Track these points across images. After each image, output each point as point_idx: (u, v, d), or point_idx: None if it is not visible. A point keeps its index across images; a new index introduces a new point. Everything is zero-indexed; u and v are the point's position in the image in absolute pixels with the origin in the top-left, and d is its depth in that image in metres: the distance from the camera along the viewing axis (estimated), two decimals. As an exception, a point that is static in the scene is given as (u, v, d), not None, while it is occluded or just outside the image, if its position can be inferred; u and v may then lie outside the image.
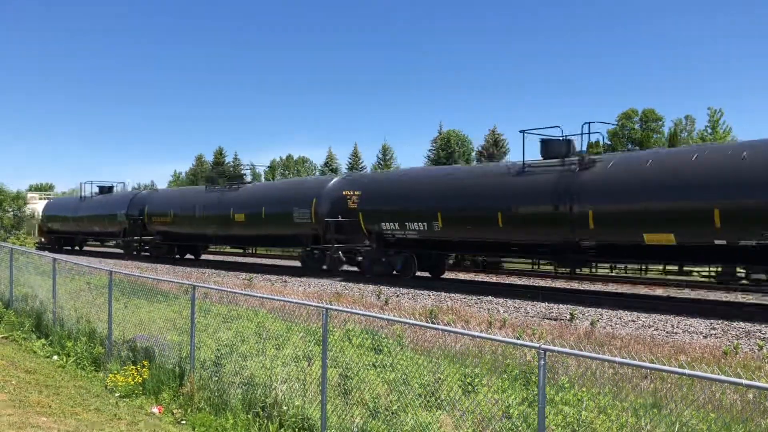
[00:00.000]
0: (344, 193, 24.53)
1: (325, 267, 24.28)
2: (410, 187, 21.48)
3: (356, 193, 24.16)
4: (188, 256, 34.95)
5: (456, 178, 20.69)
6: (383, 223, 21.57)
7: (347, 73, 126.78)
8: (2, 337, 12.22)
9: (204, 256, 36.06)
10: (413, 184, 21.60)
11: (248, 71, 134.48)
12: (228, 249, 38.99)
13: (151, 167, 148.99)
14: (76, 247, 43.85)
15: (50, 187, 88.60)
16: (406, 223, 20.74)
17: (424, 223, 20.17)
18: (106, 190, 41.68)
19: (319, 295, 16.74)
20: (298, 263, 28.00)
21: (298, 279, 23.19)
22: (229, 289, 9.65)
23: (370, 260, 22.64)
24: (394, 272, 21.78)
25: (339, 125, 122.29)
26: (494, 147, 64.16)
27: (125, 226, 35.78)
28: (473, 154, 66.01)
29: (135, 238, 35.25)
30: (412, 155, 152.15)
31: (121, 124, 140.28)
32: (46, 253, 17.47)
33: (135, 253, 35.44)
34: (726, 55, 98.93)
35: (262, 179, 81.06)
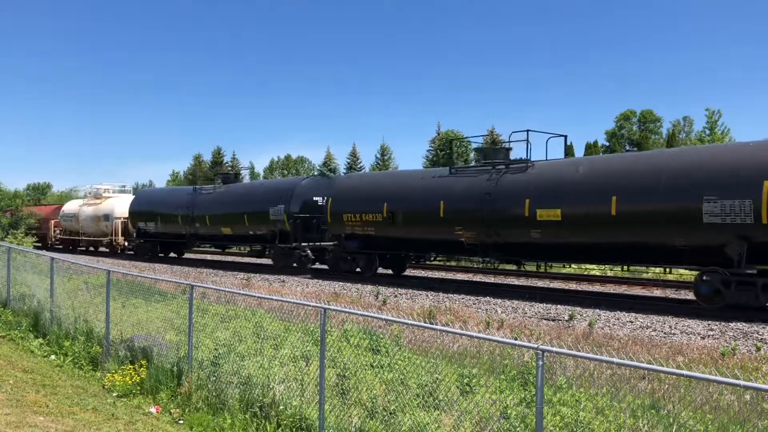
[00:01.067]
0: None
1: None
2: None
3: None
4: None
5: None
6: None
7: (345, 74, 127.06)
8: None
9: (410, 271, 24.86)
10: None
11: (247, 71, 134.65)
12: (450, 262, 27.40)
13: (149, 167, 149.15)
14: (171, 254, 34.03)
15: (48, 186, 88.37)
16: None
17: None
18: (231, 179, 31.34)
19: (317, 295, 16.74)
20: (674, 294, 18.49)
21: (295, 278, 23.02)
22: (227, 289, 9.62)
23: None
24: None
25: (337, 125, 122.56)
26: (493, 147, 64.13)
27: (281, 228, 25.29)
28: (471, 154, 66.01)
29: (303, 244, 24.67)
30: (411, 155, 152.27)
31: (119, 124, 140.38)
32: (44, 252, 17.41)
33: (295, 265, 25.02)
34: (725, 55, 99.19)
35: (261, 178, 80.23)
